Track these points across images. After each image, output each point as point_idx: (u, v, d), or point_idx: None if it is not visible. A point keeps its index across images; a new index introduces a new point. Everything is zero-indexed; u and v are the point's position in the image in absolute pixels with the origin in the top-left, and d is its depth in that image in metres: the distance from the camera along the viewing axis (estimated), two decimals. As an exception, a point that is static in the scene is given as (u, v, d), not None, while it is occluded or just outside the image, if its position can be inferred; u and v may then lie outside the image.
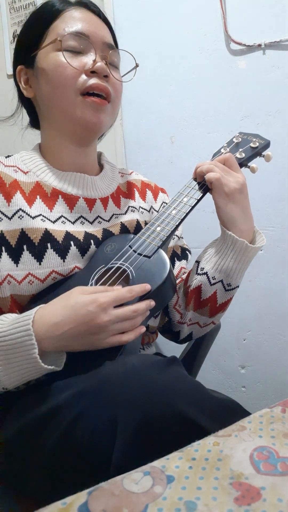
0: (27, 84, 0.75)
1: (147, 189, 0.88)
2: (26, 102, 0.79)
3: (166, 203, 0.88)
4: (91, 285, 0.66)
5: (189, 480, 0.32)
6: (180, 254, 0.88)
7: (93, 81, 0.68)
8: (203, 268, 0.76)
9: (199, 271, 0.77)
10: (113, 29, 0.77)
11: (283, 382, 1.37)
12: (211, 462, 0.34)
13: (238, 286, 0.77)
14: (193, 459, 0.34)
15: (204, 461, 0.34)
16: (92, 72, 0.68)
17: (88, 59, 0.69)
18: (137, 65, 0.78)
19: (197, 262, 0.78)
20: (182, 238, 0.91)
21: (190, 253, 0.90)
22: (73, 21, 0.69)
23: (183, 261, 0.88)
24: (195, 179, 0.76)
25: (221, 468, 0.33)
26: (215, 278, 0.74)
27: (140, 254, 0.69)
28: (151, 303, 0.63)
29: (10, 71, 1.67)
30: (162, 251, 0.69)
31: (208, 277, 0.75)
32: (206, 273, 0.75)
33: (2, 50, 1.69)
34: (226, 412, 0.50)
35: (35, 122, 0.81)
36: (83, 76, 0.68)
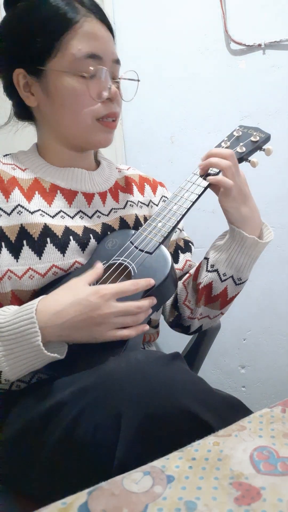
0: (27, 90, 0.70)
1: (145, 183, 0.88)
2: (16, 97, 0.73)
3: (166, 197, 0.88)
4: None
5: (189, 480, 0.32)
6: (184, 246, 0.88)
7: (109, 109, 0.70)
8: (213, 265, 0.76)
9: (209, 268, 0.77)
10: (114, 31, 0.76)
11: (283, 382, 1.37)
12: (211, 462, 0.34)
13: (247, 280, 0.78)
14: (193, 459, 0.34)
15: (204, 461, 0.34)
16: (108, 99, 0.69)
17: (103, 85, 0.68)
18: (138, 80, 0.78)
19: (206, 259, 0.78)
20: (184, 230, 0.91)
21: (193, 244, 0.90)
22: (87, 39, 0.66)
23: (188, 254, 0.88)
24: (196, 174, 0.75)
25: (221, 468, 0.33)
26: (226, 275, 0.75)
27: (141, 250, 0.69)
28: (154, 301, 0.63)
29: (10, 71, 1.67)
30: (163, 247, 0.69)
31: (219, 274, 0.76)
32: (216, 270, 0.76)
33: (2, 50, 1.68)
34: (229, 408, 0.51)
35: (23, 115, 0.77)
36: (99, 104, 0.69)
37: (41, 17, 0.66)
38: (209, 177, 0.72)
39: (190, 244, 0.90)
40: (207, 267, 0.77)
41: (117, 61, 0.72)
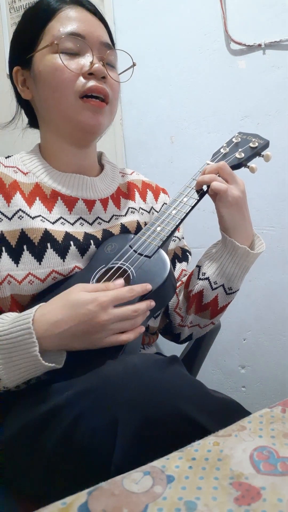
0: (24, 85, 0.74)
1: (147, 190, 0.88)
2: (24, 103, 0.79)
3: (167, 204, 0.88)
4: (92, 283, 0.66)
5: (189, 480, 0.32)
6: (181, 256, 0.88)
7: (91, 83, 0.68)
8: (204, 273, 0.77)
9: (200, 276, 0.77)
10: (110, 28, 0.76)
11: (283, 382, 1.37)
12: (211, 462, 0.34)
13: (238, 290, 0.78)
14: (193, 459, 0.34)
15: (204, 461, 0.34)
16: (90, 74, 0.68)
17: (86, 61, 0.68)
18: (134, 64, 0.77)
19: (198, 267, 0.79)
20: (183, 239, 0.91)
21: (190, 254, 0.91)
22: (69, 21, 0.69)
23: (184, 263, 0.88)
24: (195, 179, 0.75)
25: (221, 468, 0.33)
26: (216, 283, 0.75)
27: (140, 254, 0.69)
28: (151, 303, 0.63)
29: (10, 71, 1.67)
30: (162, 251, 0.69)
31: (210, 282, 0.76)
32: (207, 278, 0.76)
33: (2, 50, 1.68)
34: (226, 411, 0.50)
35: (34, 122, 0.81)
36: (81, 79, 0.68)
37: (32, 13, 0.72)
38: (200, 177, 0.72)
39: (187, 253, 0.90)
40: (198, 274, 0.78)
41: (106, 45, 0.71)
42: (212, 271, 0.76)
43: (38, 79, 0.70)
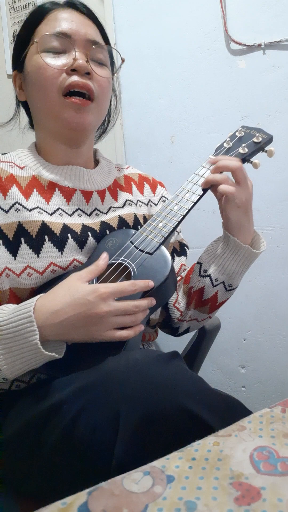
0: (21, 88, 0.76)
1: (144, 182, 0.88)
2: (24, 105, 0.80)
3: (166, 197, 0.88)
4: (92, 281, 0.66)
5: (189, 480, 0.32)
6: (179, 250, 0.88)
7: (73, 78, 0.68)
8: (206, 270, 0.77)
9: (202, 273, 0.77)
10: (103, 27, 0.76)
11: (283, 382, 1.37)
12: (211, 462, 0.34)
13: (237, 287, 0.78)
14: (193, 459, 0.34)
15: (204, 461, 0.34)
16: (73, 71, 0.68)
17: (69, 58, 0.69)
18: (123, 60, 0.77)
19: (199, 263, 0.79)
20: (180, 232, 0.91)
21: (188, 248, 0.91)
22: (56, 22, 0.70)
23: (183, 257, 0.88)
24: (198, 174, 0.74)
25: (221, 468, 0.33)
26: (217, 280, 0.76)
27: (142, 251, 0.68)
28: (152, 301, 0.63)
29: (10, 71, 1.67)
30: (163, 248, 0.69)
31: (211, 279, 0.76)
32: (209, 275, 0.76)
33: (2, 50, 1.68)
34: (227, 407, 0.50)
35: (32, 123, 0.82)
36: (64, 75, 0.68)
37: (27, 18, 0.74)
38: (208, 178, 0.71)
39: (185, 247, 0.90)
40: (200, 271, 0.78)
41: (93, 42, 0.71)
42: (214, 269, 0.76)
43: (27, 80, 0.72)
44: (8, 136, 0.82)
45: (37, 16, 0.71)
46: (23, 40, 0.72)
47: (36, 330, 0.55)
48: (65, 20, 0.70)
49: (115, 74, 0.78)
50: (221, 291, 0.77)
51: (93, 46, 0.71)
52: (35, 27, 0.71)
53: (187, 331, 0.86)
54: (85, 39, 0.70)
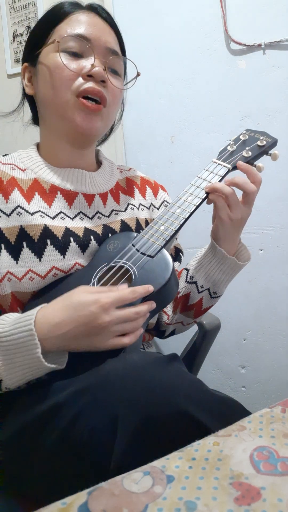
0: (29, 81, 0.76)
1: (146, 186, 0.88)
2: (30, 99, 0.80)
3: (167, 202, 0.88)
4: (93, 283, 0.66)
5: (189, 480, 0.32)
6: (175, 255, 0.89)
7: (89, 84, 0.68)
8: (192, 277, 0.80)
9: (188, 280, 0.80)
10: (122, 36, 0.76)
11: (283, 382, 1.37)
12: (211, 462, 0.34)
13: (221, 295, 0.81)
14: (193, 459, 0.34)
15: (204, 461, 0.34)
16: (89, 76, 0.68)
17: (87, 63, 0.69)
18: (138, 74, 0.77)
19: (186, 270, 0.82)
20: (177, 238, 0.91)
21: (182, 254, 0.91)
22: (78, 24, 0.70)
23: (176, 263, 0.89)
24: (201, 177, 0.74)
25: (221, 468, 0.33)
26: (203, 287, 0.79)
27: (143, 254, 0.68)
28: (152, 305, 0.63)
29: (10, 71, 1.67)
30: (165, 251, 0.68)
31: (196, 286, 0.79)
32: (195, 282, 0.79)
33: (2, 50, 1.68)
34: (226, 410, 0.50)
35: (36, 119, 0.82)
36: (80, 79, 0.68)
37: (47, 14, 0.74)
38: (220, 185, 0.70)
39: (180, 253, 0.91)
40: (186, 277, 0.81)
41: (112, 51, 0.72)
42: (200, 276, 0.79)
43: (39, 75, 0.72)
44: (9, 132, 0.82)
45: (58, 15, 0.71)
46: (40, 36, 0.72)
47: (37, 343, 0.55)
48: (87, 24, 0.70)
49: (128, 86, 0.78)
50: (206, 298, 0.79)
51: (112, 55, 0.71)
52: (54, 25, 0.71)
53: (172, 333, 0.88)
54: (104, 47, 0.70)
